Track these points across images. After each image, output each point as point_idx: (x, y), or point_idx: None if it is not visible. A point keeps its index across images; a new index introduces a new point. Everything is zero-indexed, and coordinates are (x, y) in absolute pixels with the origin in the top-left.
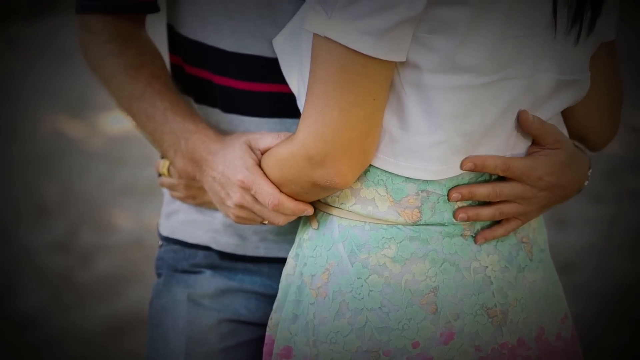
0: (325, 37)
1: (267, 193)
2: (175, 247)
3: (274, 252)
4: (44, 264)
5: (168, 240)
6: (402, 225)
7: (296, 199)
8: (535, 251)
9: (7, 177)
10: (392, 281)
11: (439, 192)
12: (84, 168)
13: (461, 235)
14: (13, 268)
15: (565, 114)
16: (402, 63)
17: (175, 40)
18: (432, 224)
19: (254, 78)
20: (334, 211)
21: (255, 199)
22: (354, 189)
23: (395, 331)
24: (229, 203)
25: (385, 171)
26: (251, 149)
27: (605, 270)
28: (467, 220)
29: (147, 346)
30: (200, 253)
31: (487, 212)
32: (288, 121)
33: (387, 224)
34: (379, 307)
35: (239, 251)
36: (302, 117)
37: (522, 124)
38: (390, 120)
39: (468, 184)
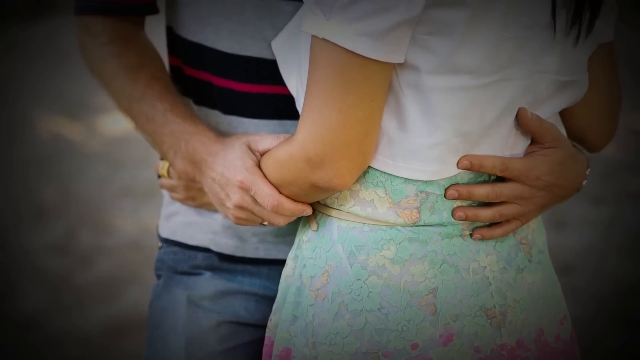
0: (324, 39)
1: (267, 194)
2: (175, 248)
3: (273, 254)
4: (43, 266)
5: (167, 241)
6: (401, 226)
7: (295, 200)
8: (534, 252)
9: (6, 179)
10: (391, 282)
11: (437, 192)
12: (83, 170)
13: (460, 235)
14: (13, 269)
15: (564, 114)
16: (400, 64)
17: (175, 41)
18: (431, 225)
19: (253, 79)
20: (333, 213)
21: (255, 200)
22: (353, 191)
23: (394, 332)
24: (229, 204)
25: (384, 172)
26: (251, 150)
27: (604, 271)
28: (466, 220)
29: (147, 348)
30: (200, 255)
31: (486, 213)
32: (287, 123)
33: (386, 225)
34: (378, 309)
35: (239, 253)
36: (300, 118)
37: (521, 121)
38: (388, 122)
39: (467, 183)
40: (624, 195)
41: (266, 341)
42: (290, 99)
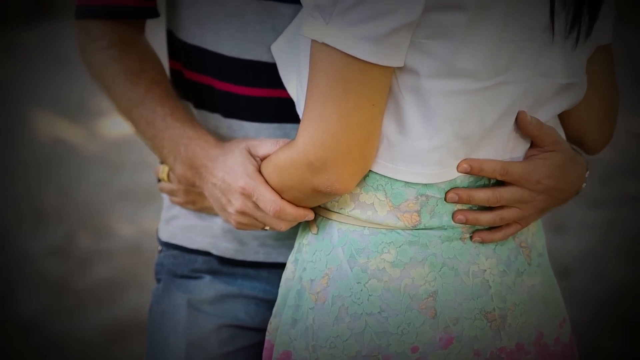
0: (323, 43)
1: (269, 200)
2: (175, 252)
3: (273, 257)
4: (43, 269)
5: (167, 245)
6: (402, 229)
7: (297, 205)
8: (534, 255)
9: (6, 182)
10: (391, 286)
11: (437, 195)
12: (83, 173)
13: (460, 239)
14: (13, 272)
15: (562, 116)
16: (400, 68)
17: (175, 45)
18: (431, 228)
19: (253, 83)
20: (334, 216)
21: (257, 206)
22: (353, 194)
23: (394, 336)
24: (230, 210)
25: (384, 176)
26: (251, 155)
27: (603, 275)
28: (466, 223)
29: (147, 351)
30: (200, 258)
31: (487, 217)
32: (287, 126)
33: (386, 229)
34: (378, 312)
35: (239, 256)
36: (301, 123)
37: (521, 125)
38: (388, 125)
39: (467, 187)
40: (624, 198)
41: (266, 344)
42: (290, 103)
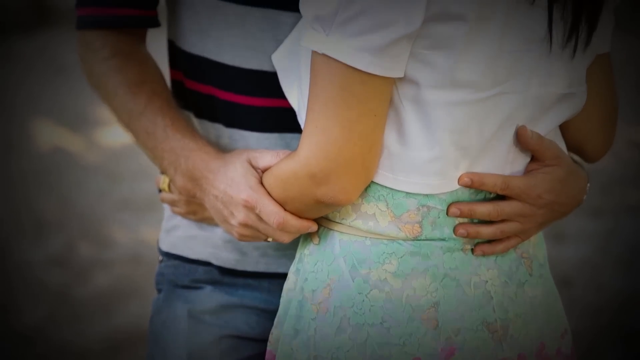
0: (324, 54)
1: (272, 212)
2: (176, 262)
3: (275, 268)
4: (42, 279)
5: (168, 255)
6: (403, 240)
7: (300, 216)
8: (535, 266)
9: (6, 191)
10: (393, 296)
11: (439, 207)
12: (82, 182)
13: (461, 249)
14: (13, 282)
15: (562, 125)
16: (400, 79)
17: (176, 55)
18: (432, 239)
19: (255, 92)
20: (335, 226)
21: (260, 218)
22: (354, 205)
23: (396, 347)
24: (233, 222)
25: (386, 187)
26: (252, 166)
27: (601, 284)
28: (467, 237)
29: None
30: (201, 268)
31: (488, 231)
32: (288, 136)
33: (387, 239)
34: (380, 323)
35: (240, 267)
36: (303, 134)
37: (521, 140)
38: (389, 136)
39: (468, 200)
40: (623, 208)
41: (268, 355)
42: (291, 112)
